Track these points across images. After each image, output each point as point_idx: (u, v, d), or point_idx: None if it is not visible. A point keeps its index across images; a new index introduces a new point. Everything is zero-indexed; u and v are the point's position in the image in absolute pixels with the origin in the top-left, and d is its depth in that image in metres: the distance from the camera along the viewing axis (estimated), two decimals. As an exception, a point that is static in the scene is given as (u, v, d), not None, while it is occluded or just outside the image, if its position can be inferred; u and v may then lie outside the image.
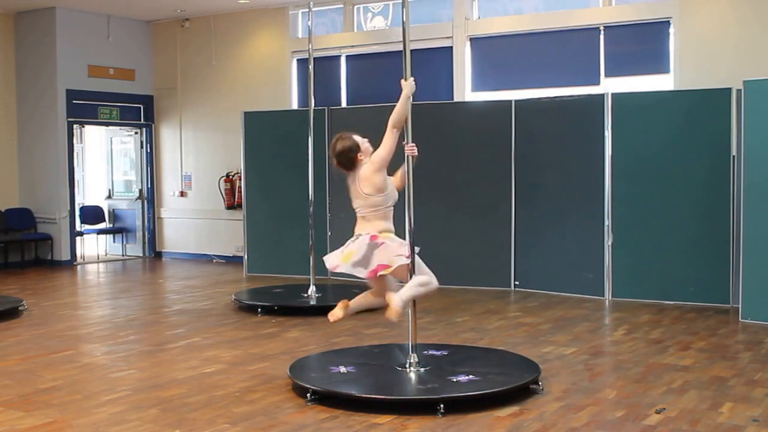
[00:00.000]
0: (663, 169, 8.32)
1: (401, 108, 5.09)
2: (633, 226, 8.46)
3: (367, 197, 5.13)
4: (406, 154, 5.16)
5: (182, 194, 12.78)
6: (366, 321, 7.54)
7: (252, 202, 10.82)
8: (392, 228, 5.21)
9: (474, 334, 6.93)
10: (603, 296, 8.58)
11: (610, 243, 8.55)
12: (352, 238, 5.18)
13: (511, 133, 9.17)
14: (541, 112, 9.06)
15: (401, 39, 5.28)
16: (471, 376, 5.15)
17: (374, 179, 5.10)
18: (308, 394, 4.89)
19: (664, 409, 4.72)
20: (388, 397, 4.85)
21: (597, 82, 9.54)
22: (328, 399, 4.85)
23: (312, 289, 8.36)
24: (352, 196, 5.23)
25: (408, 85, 5.12)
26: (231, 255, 12.14)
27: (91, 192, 13.92)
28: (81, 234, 12.62)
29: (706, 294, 8.11)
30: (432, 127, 9.24)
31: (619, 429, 4.42)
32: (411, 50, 5.30)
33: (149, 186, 13.03)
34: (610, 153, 8.52)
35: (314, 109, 8.48)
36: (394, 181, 5.28)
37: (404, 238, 5.14)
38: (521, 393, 4.96)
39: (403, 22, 5.31)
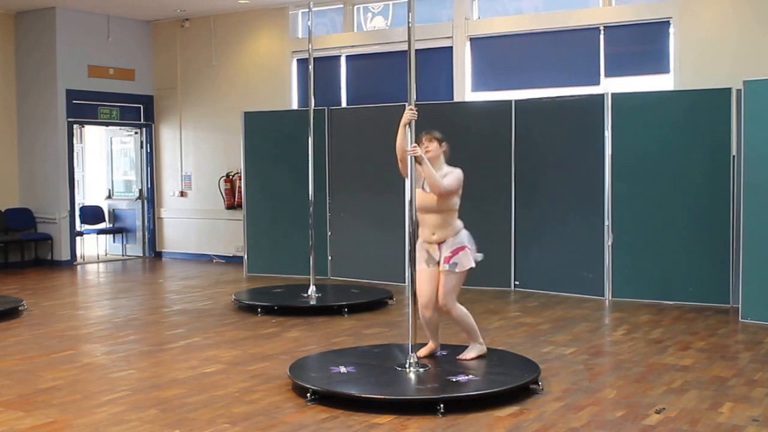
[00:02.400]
0: (663, 169, 8.33)
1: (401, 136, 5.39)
2: (633, 226, 8.46)
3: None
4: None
5: (182, 194, 12.78)
6: (366, 321, 7.54)
7: (252, 202, 10.82)
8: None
9: (474, 334, 6.92)
10: (603, 296, 8.59)
11: (610, 243, 8.55)
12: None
13: (511, 133, 9.17)
14: (541, 112, 9.06)
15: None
16: (471, 376, 5.16)
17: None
18: (308, 394, 4.90)
19: (664, 409, 4.73)
20: (388, 397, 4.85)
21: (597, 82, 9.54)
22: (328, 399, 4.85)
23: (312, 289, 8.36)
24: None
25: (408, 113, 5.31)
26: (231, 255, 12.14)
27: (91, 192, 13.92)
28: (81, 234, 12.61)
29: (705, 294, 8.11)
30: (432, 128, 9.22)
31: (619, 429, 4.42)
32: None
33: (149, 186, 13.03)
34: (610, 153, 8.52)
35: (314, 109, 8.47)
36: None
37: (405, 238, 5.19)
38: (521, 393, 4.96)
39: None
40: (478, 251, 5.59)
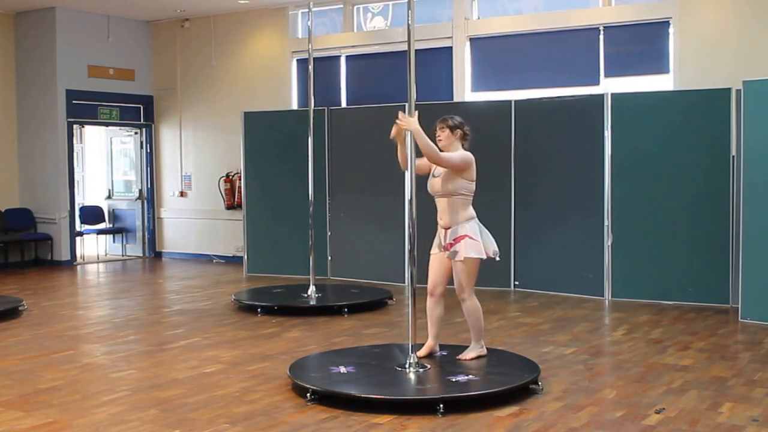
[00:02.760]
0: (663, 169, 8.33)
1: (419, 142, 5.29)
2: (633, 226, 8.46)
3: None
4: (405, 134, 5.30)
5: (182, 194, 12.78)
6: (365, 321, 7.55)
7: (252, 202, 10.82)
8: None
9: (474, 334, 6.92)
10: (602, 296, 8.59)
11: (609, 243, 8.55)
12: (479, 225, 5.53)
13: (511, 133, 9.17)
14: (541, 112, 9.07)
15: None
16: (470, 376, 5.16)
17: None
18: (308, 394, 4.90)
19: (663, 409, 4.73)
20: (388, 397, 4.85)
21: (597, 83, 9.54)
22: (328, 399, 4.85)
23: (312, 289, 8.36)
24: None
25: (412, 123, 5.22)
26: (231, 255, 12.14)
27: (91, 192, 13.92)
28: (81, 234, 12.61)
29: (705, 294, 8.12)
30: (432, 128, 9.23)
31: (618, 429, 4.42)
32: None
33: (149, 186, 13.03)
34: (609, 153, 8.52)
35: (314, 109, 8.47)
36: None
37: (405, 238, 5.20)
38: (521, 393, 4.97)
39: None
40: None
